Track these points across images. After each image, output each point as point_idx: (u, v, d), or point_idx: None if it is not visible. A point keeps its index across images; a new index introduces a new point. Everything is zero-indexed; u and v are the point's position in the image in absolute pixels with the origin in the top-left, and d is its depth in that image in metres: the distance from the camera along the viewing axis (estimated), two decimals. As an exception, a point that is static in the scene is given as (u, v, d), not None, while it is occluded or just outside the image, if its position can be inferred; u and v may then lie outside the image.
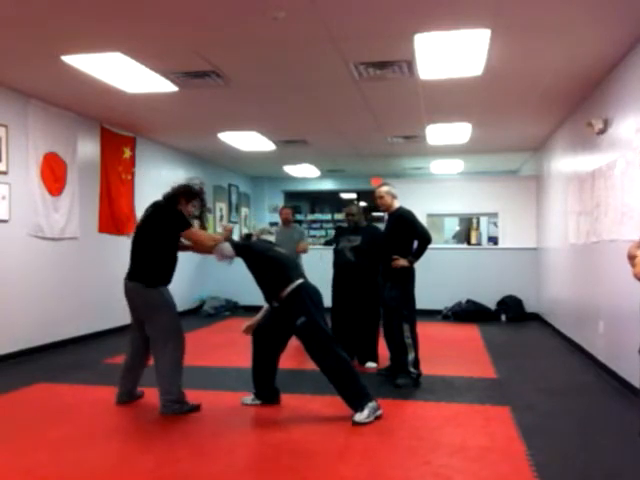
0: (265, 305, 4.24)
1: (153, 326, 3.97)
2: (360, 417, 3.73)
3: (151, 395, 4.49)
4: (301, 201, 16.56)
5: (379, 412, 3.82)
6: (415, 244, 4.89)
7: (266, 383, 4.21)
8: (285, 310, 3.97)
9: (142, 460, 3.16)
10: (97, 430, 3.66)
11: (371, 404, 3.78)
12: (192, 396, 4.42)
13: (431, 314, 8.85)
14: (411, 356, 4.75)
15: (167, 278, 4.05)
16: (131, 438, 3.52)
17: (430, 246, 4.87)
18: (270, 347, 4.15)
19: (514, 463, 3.09)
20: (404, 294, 4.82)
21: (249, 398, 4.25)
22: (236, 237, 11.23)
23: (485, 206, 10.14)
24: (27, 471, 3.03)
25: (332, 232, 12.34)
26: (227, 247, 4.03)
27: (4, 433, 3.62)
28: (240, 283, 8.09)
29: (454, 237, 13.28)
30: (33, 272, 6.06)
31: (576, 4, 3.79)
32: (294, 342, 4.23)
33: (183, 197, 4.08)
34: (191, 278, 9.01)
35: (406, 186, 8.73)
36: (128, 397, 4.23)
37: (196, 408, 4.02)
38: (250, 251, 4.17)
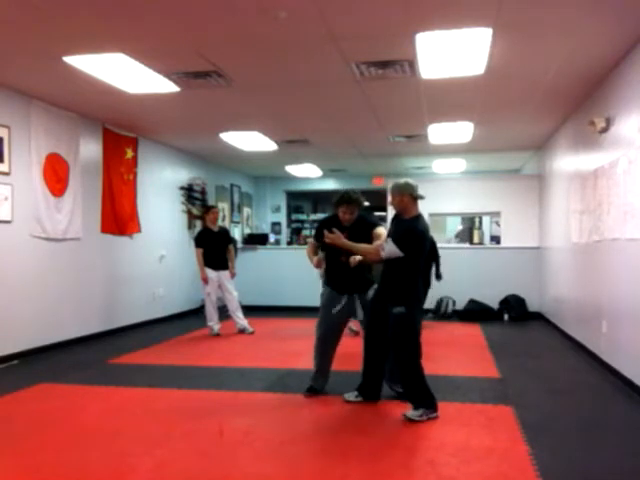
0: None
1: None
2: (412, 414, 3.78)
3: (151, 395, 4.50)
4: (303, 201, 16.57)
5: (434, 415, 3.84)
6: None
7: (374, 380, 4.17)
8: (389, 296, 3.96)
9: (144, 460, 3.17)
10: (100, 430, 3.67)
11: (429, 411, 3.82)
12: (193, 396, 4.44)
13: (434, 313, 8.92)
14: None
15: (329, 281, 4.47)
16: (133, 438, 3.53)
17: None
18: (381, 340, 4.05)
19: (517, 463, 3.09)
20: None
21: (352, 394, 4.23)
22: (237, 237, 11.23)
23: (487, 205, 10.12)
24: (30, 471, 3.04)
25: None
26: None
27: (7, 433, 3.63)
28: (241, 283, 8.12)
29: (456, 236, 13.27)
30: (36, 273, 6.08)
31: (577, 3, 3.79)
32: None
33: (336, 206, 4.34)
34: (193, 279, 9.00)
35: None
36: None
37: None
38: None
